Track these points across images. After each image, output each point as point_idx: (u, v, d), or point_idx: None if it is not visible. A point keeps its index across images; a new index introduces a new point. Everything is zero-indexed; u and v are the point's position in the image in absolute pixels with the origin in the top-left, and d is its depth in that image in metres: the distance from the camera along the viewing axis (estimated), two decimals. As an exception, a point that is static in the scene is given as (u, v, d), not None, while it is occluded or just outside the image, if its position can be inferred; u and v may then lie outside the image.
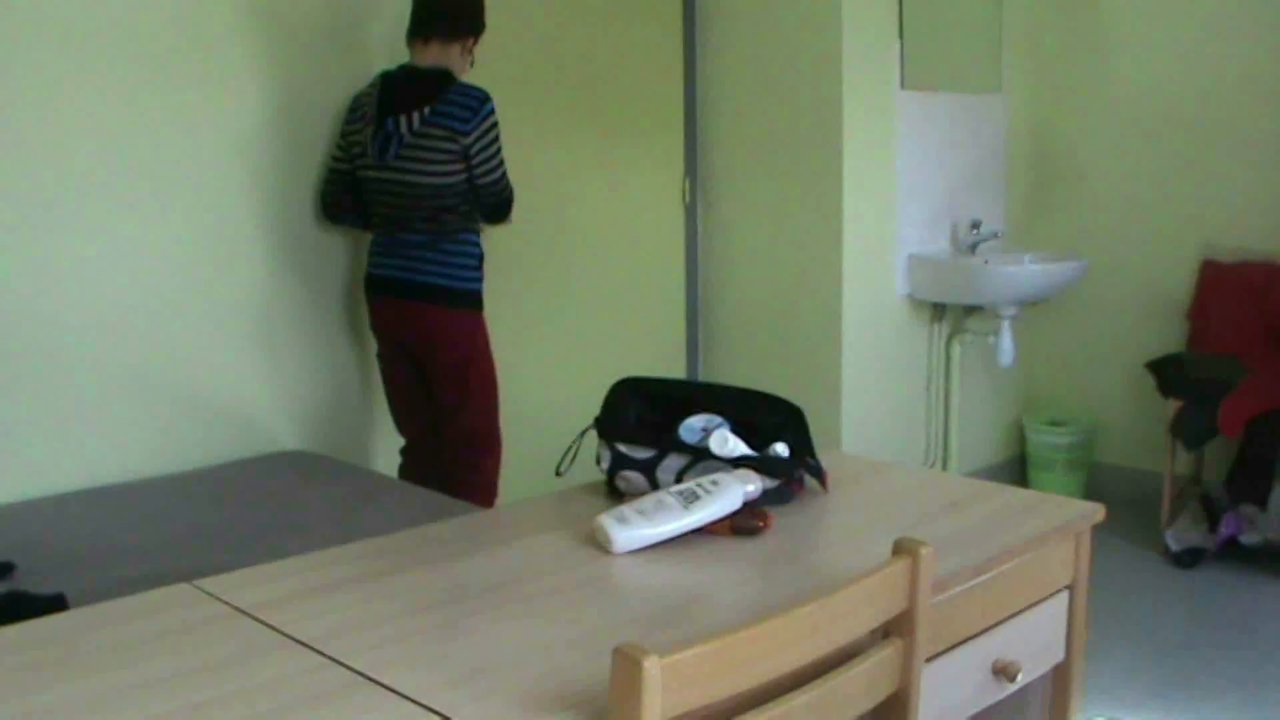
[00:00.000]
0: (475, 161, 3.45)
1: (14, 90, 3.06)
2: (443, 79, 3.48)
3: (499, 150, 3.49)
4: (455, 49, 3.54)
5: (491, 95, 3.48)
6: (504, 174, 3.52)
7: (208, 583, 1.66)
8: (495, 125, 3.46)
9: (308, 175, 3.65)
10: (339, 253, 3.75)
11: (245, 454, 3.53)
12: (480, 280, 3.58)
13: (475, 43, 3.60)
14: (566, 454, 2.11)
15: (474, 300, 3.58)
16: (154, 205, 3.33)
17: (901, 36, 4.52)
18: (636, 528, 1.76)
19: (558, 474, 2.15)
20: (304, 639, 1.47)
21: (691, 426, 1.99)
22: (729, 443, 1.93)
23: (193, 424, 3.45)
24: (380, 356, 3.72)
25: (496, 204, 3.56)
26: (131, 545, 2.71)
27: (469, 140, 3.42)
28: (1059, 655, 1.99)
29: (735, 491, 1.82)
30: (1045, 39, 5.15)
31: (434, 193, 3.46)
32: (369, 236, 3.73)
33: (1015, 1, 5.04)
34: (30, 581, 2.42)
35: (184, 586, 1.66)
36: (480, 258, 3.59)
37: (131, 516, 2.98)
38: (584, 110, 4.40)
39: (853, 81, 4.35)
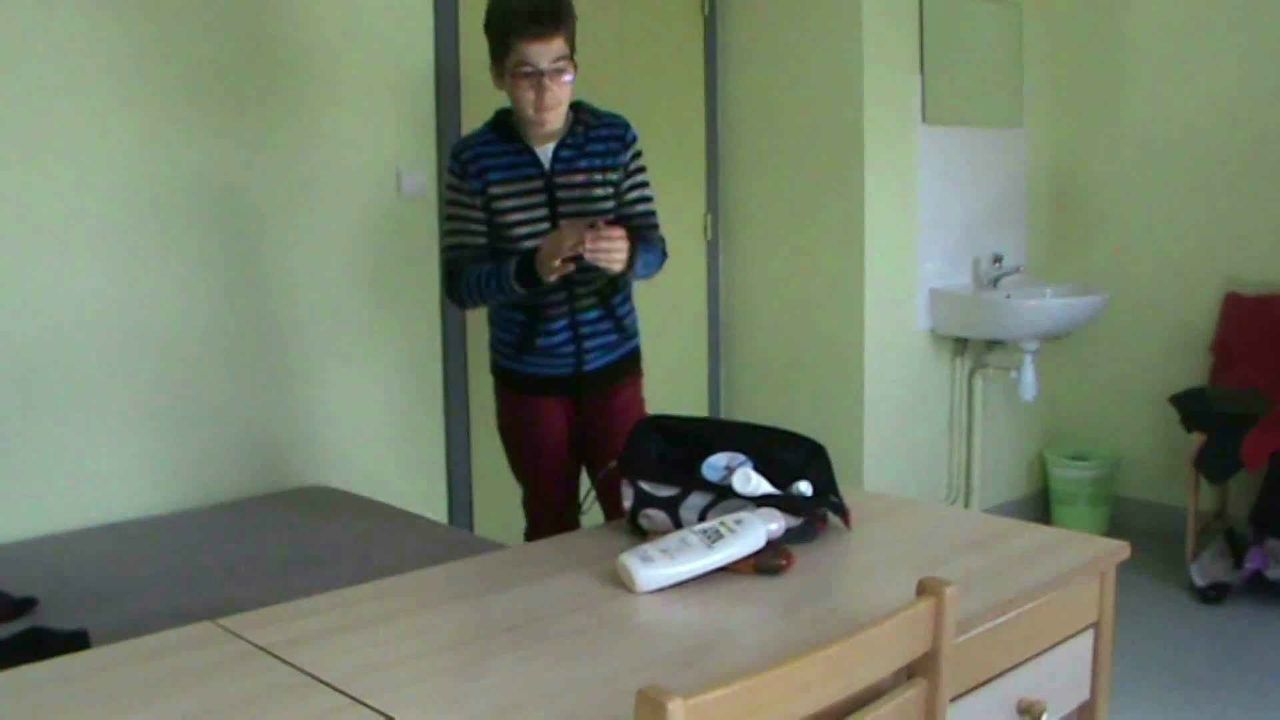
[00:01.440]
0: None
1: (49, 124, 3.10)
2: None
3: (449, 215, 2.96)
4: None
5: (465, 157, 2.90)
6: (443, 249, 3.02)
7: (230, 621, 1.66)
8: (451, 188, 2.93)
9: (342, 214, 3.67)
10: (363, 289, 3.76)
11: (267, 489, 3.54)
12: (496, 347, 3.07)
13: (498, 67, 2.83)
14: (589, 492, 2.11)
15: (493, 366, 3.10)
16: (178, 240, 3.35)
17: (922, 71, 4.53)
18: (660, 566, 1.75)
19: (581, 511, 2.15)
20: (327, 678, 1.46)
21: (714, 464, 1.98)
22: (752, 481, 1.93)
23: (215, 459, 3.46)
24: None
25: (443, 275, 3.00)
26: (153, 580, 2.72)
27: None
28: (1084, 694, 1.97)
29: (758, 530, 1.82)
30: (1066, 73, 5.15)
31: None
32: (388, 271, 3.74)
33: (1036, 36, 5.05)
34: (52, 616, 2.43)
35: (206, 624, 1.66)
36: (503, 328, 3.02)
37: (153, 551, 2.98)
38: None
39: (874, 116, 4.36)
